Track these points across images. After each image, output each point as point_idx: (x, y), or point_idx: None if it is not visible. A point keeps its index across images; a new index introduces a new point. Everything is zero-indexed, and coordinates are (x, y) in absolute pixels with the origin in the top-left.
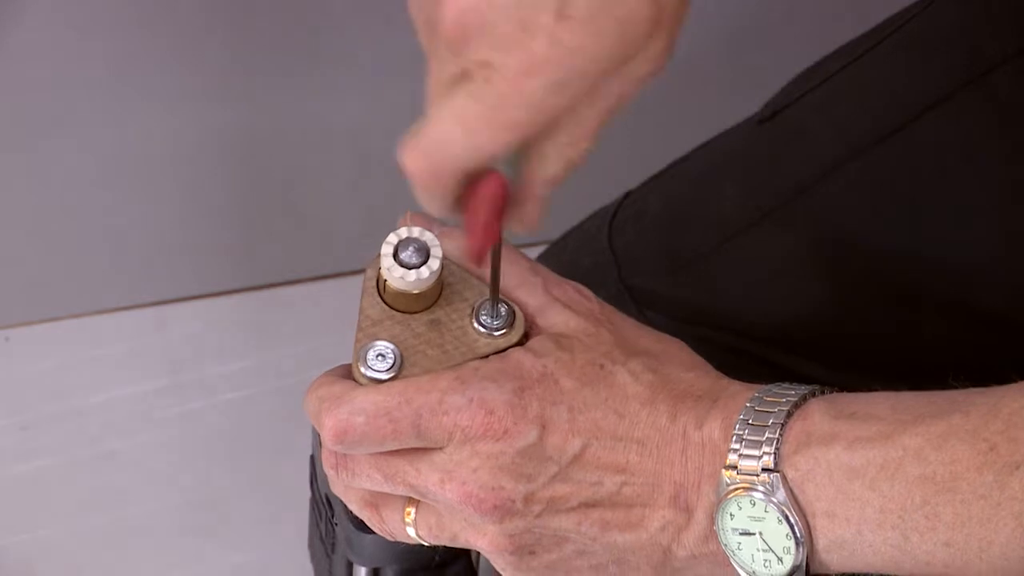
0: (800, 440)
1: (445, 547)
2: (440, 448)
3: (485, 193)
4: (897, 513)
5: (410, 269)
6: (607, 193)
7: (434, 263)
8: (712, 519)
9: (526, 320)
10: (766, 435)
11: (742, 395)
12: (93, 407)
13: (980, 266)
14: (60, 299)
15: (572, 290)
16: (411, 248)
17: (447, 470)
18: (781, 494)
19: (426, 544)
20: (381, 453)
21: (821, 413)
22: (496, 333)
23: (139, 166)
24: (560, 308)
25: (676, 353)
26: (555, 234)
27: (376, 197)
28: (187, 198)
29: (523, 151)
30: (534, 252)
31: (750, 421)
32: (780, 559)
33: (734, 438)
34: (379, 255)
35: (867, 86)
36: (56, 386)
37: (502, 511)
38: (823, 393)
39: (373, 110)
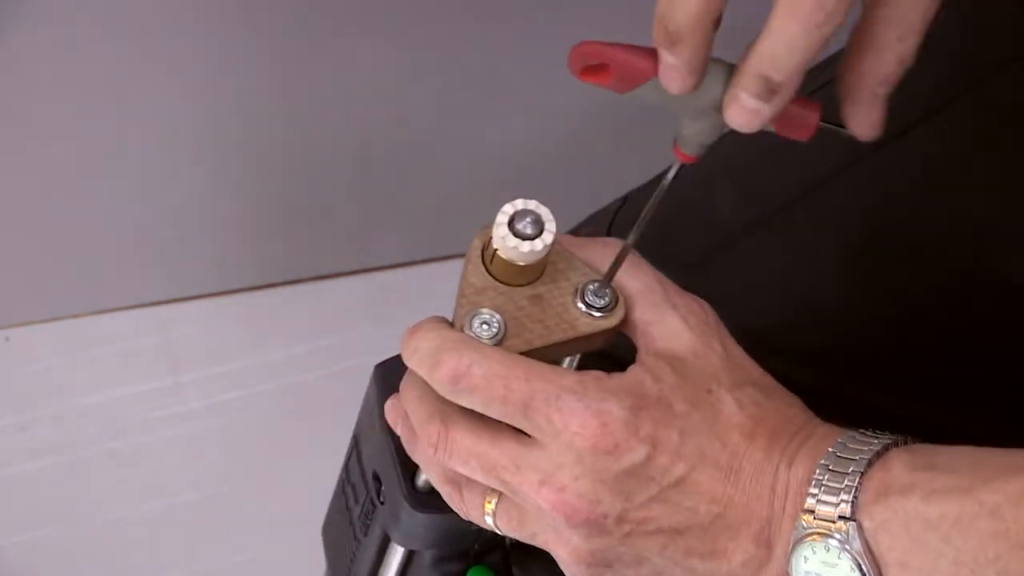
0: (879, 490)
1: (486, 537)
2: (540, 441)
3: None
4: (969, 567)
5: (524, 240)
6: (606, 196)
7: (548, 236)
8: (788, 559)
9: (641, 329)
10: (845, 483)
11: (829, 438)
12: (93, 407)
13: (980, 269)
14: (60, 299)
15: (693, 302)
16: (528, 219)
17: (548, 472)
18: (857, 543)
19: (499, 533)
20: (483, 443)
21: (901, 464)
22: (597, 314)
23: (139, 166)
24: (677, 319)
25: (777, 388)
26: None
27: (376, 197)
28: (187, 198)
29: (855, 51)
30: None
31: (831, 467)
32: None
33: (813, 483)
34: (488, 227)
35: None
36: (56, 386)
37: (592, 525)
38: (906, 443)
39: (373, 110)
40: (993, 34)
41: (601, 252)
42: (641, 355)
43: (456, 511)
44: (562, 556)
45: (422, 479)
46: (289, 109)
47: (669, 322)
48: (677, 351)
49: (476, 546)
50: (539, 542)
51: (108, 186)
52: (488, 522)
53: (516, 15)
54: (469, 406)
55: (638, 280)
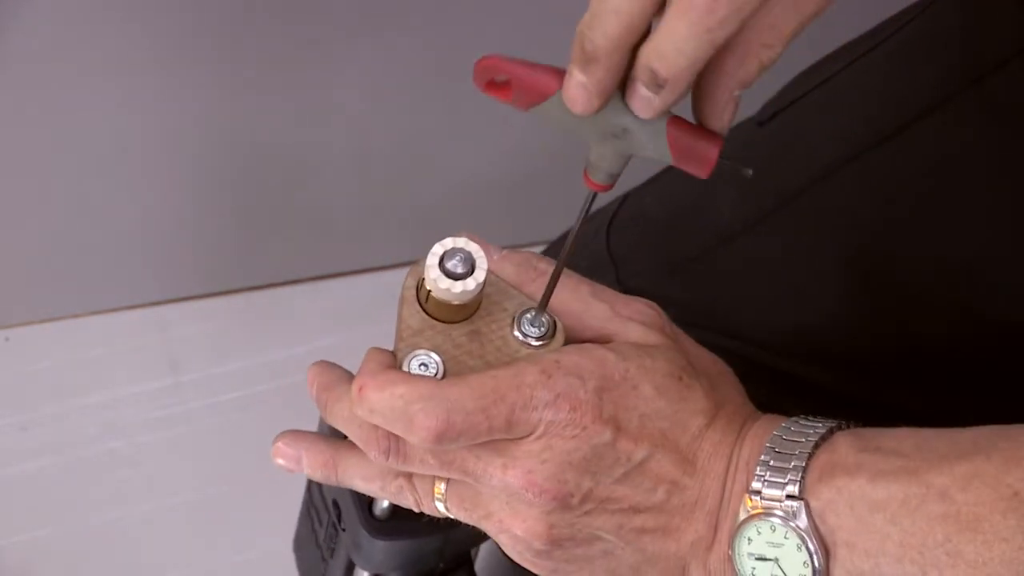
0: (825, 470)
1: (449, 556)
2: (521, 438)
3: (685, 128)
4: (917, 549)
5: (456, 279)
6: (606, 195)
7: (480, 274)
8: (730, 541)
9: (600, 343)
10: (792, 463)
11: (775, 422)
12: (93, 407)
13: (979, 268)
14: (60, 299)
15: (642, 305)
16: (457, 258)
17: (513, 457)
18: (803, 520)
19: (452, 517)
20: None
21: (847, 446)
22: (536, 343)
23: (139, 166)
24: (635, 325)
25: (729, 375)
26: (553, 235)
27: (376, 197)
28: (187, 198)
29: (720, 51)
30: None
31: (776, 449)
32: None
33: (760, 464)
34: (421, 263)
35: (866, 89)
36: (56, 386)
37: (558, 502)
38: (848, 427)
39: (373, 110)
40: (993, 32)
41: (532, 276)
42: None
43: (409, 506)
44: (517, 533)
45: (380, 507)
46: (289, 109)
47: (626, 330)
48: (644, 340)
49: (441, 565)
50: (491, 524)
51: (108, 186)
52: (439, 508)
53: (516, 15)
54: (453, 448)
55: (578, 303)
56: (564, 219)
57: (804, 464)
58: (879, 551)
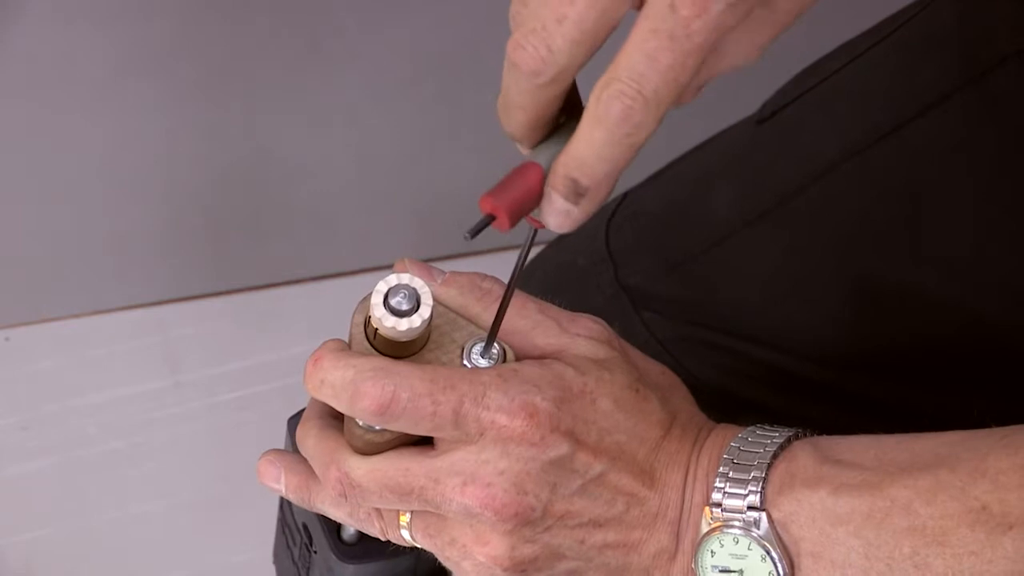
0: (784, 481)
1: (423, 574)
2: (463, 443)
3: (529, 178)
4: (884, 561)
5: (401, 317)
6: None
7: (425, 310)
8: (694, 553)
9: (550, 359)
10: (752, 474)
11: (730, 432)
12: (93, 407)
13: (978, 266)
14: (60, 299)
15: (589, 321)
16: (401, 295)
17: (470, 473)
18: (765, 531)
19: (418, 546)
20: (391, 474)
21: (806, 456)
22: None
23: (139, 166)
24: (584, 340)
25: (679, 386)
26: (552, 234)
27: (376, 197)
28: (187, 198)
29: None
30: (531, 252)
31: (735, 460)
32: None
33: (719, 476)
34: (367, 301)
35: (865, 86)
36: (56, 386)
37: (520, 518)
38: (805, 435)
39: (373, 110)
40: (991, 30)
41: (478, 296)
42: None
43: (376, 535)
44: (479, 559)
45: (348, 531)
46: (290, 109)
47: (576, 346)
48: (598, 356)
49: None
50: (455, 550)
51: (108, 186)
52: (406, 536)
53: None
54: (395, 429)
55: (525, 320)
56: None
57: (763, 475)
58: (845, 562)
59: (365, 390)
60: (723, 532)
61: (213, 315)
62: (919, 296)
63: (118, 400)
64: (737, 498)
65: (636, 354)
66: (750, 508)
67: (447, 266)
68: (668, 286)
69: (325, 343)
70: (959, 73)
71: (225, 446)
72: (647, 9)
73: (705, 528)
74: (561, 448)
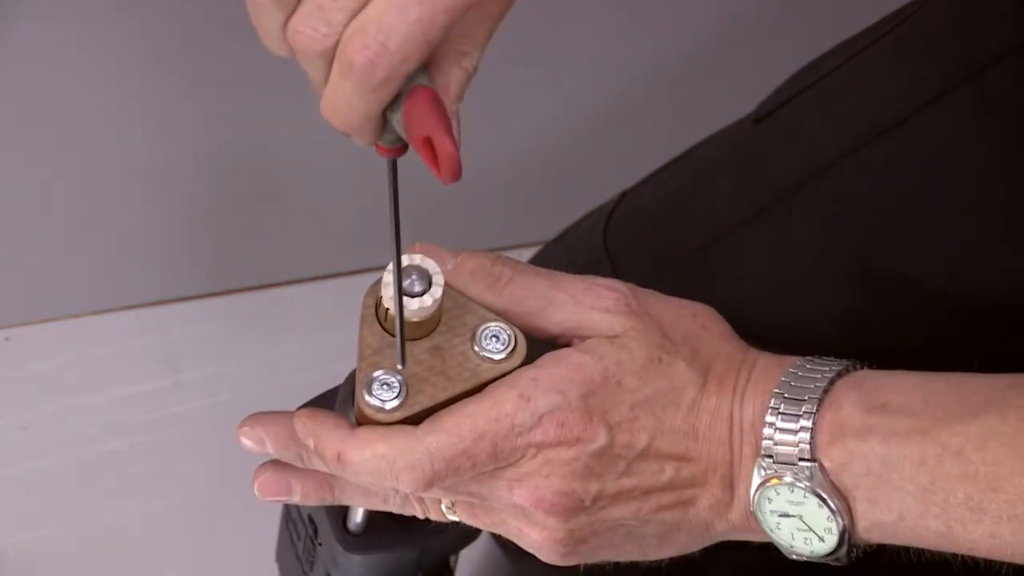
0: (834, 431)
1: (428, 565)
2: (515, 462)
3: (425, 102)
4: (940, 505)
5: (413, 297)
6: (603, 192)
7: (436, 291)
8: (752, 499)
9: (566, 337)
10: (799, 424)
11: (770, 371)
12: (93, 407)
13: (976, 263)
14: (60, 299)
15: (602, 289)
16: (413, 276)
17: (515, 479)
18: (819, 481)
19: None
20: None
21: (851, 404)
22: (498, 357)
23: (139, 166)
24: (599, 315)
25: (711, 327)
26: (551, 232)
27: (376, 197)
28: (187, 198)
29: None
30: (530, 251)
31: (780, 410)
32: (821, 538)
33: (767, 425)
34: (378, 284)
35: (862, 85)
36: (56, 386)
37: (571, 511)
38: (850, 370)
39: None
40: (989, 27)
41: (490, 282)
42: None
43: (415, 515)
44: (537, 541)
45: (354, 521)
46: (289, 108)
47: (592, 321)
48: (616, 334)
49: (420, 574)
50: (508, 529)
51: (108, 186)
52: (449, 517)
53: (515, 13)
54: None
55: (538, 299)
56: (561, 217)
57: (811, 425)
58: (901, 507)
59: (404, 479)
60: (777, 484)
61: (213, 315)
62: (918, 292)
63: (118, 400)
64: (788, 447)
65: (661, 306)
66: (801, 459)
67: None
68: (666, 284)
69: (320, 427)
70: (957, 71)
71: (225, 446)
72: None
73: (758, 480)
74: (600, 439)
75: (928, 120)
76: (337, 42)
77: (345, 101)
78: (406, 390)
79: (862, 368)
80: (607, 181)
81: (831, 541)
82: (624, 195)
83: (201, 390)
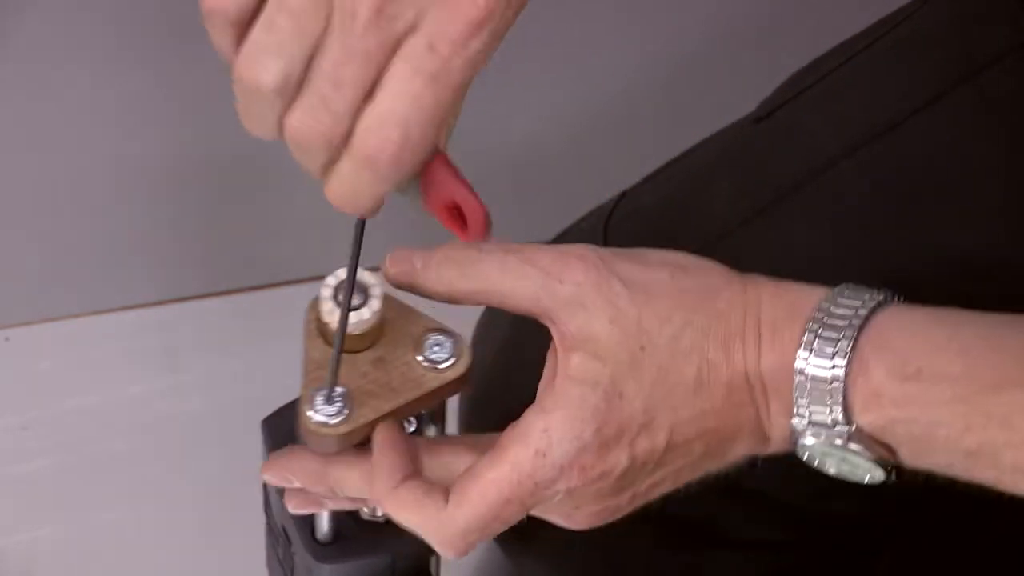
0: (868, 399)
1: (402, 570)
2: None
3: (441, 170)
4: (988, 463)
5: (351, 311)
6: (603, 193)
7: (374, 303)
8: (789, 441)
9: (544, 316)
10: (829, 401)
11: (786, 322)
12: (93, 407)
13: (976, 262)
14: (60, 299)
15: (571, 259)
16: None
17: (549, 509)
18: (860, 443)
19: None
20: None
21: (884, 371)
22: (441, 366)
23: (139, 165)
24: (572, 311)
25: (692, 286)
26: (551, 232)
27: None
28: (188, 198)
29: None
30: None
31: (808, 382)
32: (868, 473)
33: (796, 392)
34: (317, 298)
35: (862, 85)
36: (56, 386)
37: (611, 514)
38: (868, 320)
39: None
40: (988, 27)
41: (412, 272)
42: (561, 360)
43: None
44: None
45: (321, 531)
46: None
47: (565, 317)
48: (590, 333)
49: None
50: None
51: (108, 186)
52: None
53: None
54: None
55: (507, 277)
56: (560, 218)
57: (842, 394)
58: (948, 462)
59: (441, 551)
60: (815, 440)
61: (213, 315)
62: (918, 293)
63: (118, 400)
64: (821, 413)
65: (628, 268)
66: (836, 424)
67: None
68: None
69: (344, 475)
70: (956, 71)
71: (225, 446)
72: (405, 51)
73: (796, 435)
74: (622, 462)
75: (928, 120)
76: (343, 132)
77: (361, 190)
78: (350, 404)
79: (880, 309)
80: (607, 181)
81: (878, 476)
82: (624, 195)
83: (201, 390)
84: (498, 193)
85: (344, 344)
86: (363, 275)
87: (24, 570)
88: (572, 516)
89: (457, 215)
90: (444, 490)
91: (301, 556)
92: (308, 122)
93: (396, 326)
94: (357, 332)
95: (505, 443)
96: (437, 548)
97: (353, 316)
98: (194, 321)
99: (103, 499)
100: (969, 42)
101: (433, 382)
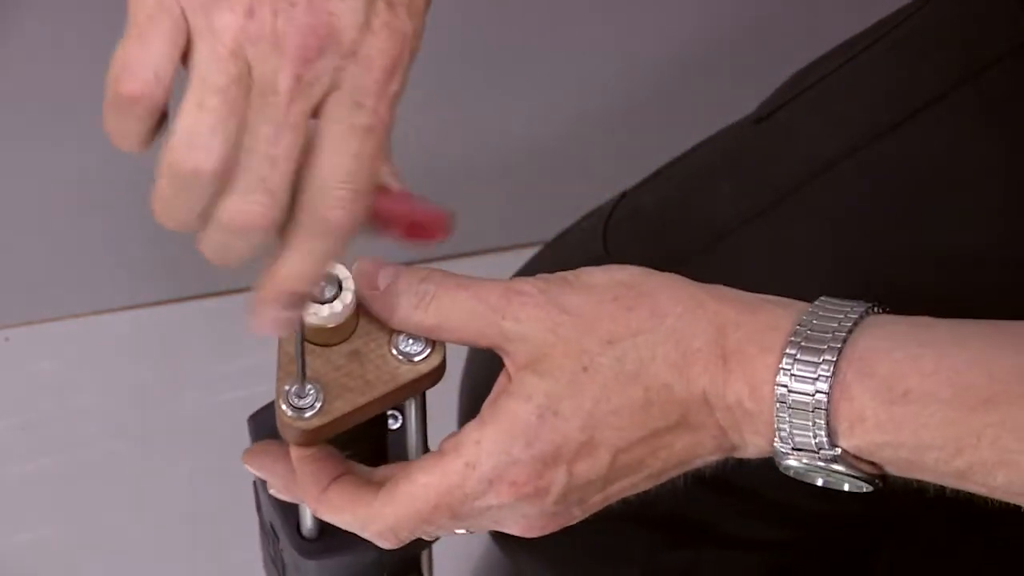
0: (854, 423)
1: (392, 564)
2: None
3: (389, 198)
4: (979, 480)
5: (323, 304)
6: (603, 194)
7: (347, 296)
8: (767, 455)
9: (496, 349)
10: (813, 422)
11: (761, 353)
12: (93, 407)
13: (976, 263)
14: (60, 299)
15: (514, 295)
16: (323, 282)
17: (495, 520)
18: (844, 465)
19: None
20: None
21: (869, 395)
22: (416, 359)
23: (139, 165)
24: (511, 324)
25: (639, 305)
26: (551, 233)
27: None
28: None
29: None
30: (530, 251)
31: (790, 405)
32: (855, 486)
33: (777, 420)
34: None
35: (862, 85)
36: (56, 386)
37: (564, 521)
38: (848, 337)
39: None
40: (989, 28)
41: (416, 307)
42: (511, 375)
43: None
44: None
45: (306, 526)
46: None
47: (507, 330)
48: (535, 351)
49: (385, 575)
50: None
51: (108, 185)
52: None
53: (515, 12)
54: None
55: (460, 312)
56: (560, 218)
57: (825, 421)
58: (936, 478)
59: (376, 542)
60: (796, 462)
61: (213, 315)
62: (917, 294)
63: (118, 400)
64: (805, 438)
65: (578, 298)
66: (821, 449)
67: (447, 266)
68: None
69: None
70: (957, 71)
71: (225, 446)
72: (331, 113)
73: (778, 457)
74: (558, 481)
75: (928, 120)
76: (284, 209)
77: (319, 260)
78: (324, 397)
79: (860, 323)
80: (607, 181)
81: (866, 488)
82: (624, 196)
83: (201, 390)
84: (498, 193)
85: (318, 338)
86: (336, 268)
87: (24, 570)
88: (520, 524)
89: (416, 227)
90: (377, 486)
91: (288, 552)
92: (248, 206)
93: (371, 319)
94: (331, 325)
95: (443, 450)
96: (372, 538)
97: (326, 309)
98: (194, 321)
99: (103, 499)
100: (969, 42)
101: (408, 375)
